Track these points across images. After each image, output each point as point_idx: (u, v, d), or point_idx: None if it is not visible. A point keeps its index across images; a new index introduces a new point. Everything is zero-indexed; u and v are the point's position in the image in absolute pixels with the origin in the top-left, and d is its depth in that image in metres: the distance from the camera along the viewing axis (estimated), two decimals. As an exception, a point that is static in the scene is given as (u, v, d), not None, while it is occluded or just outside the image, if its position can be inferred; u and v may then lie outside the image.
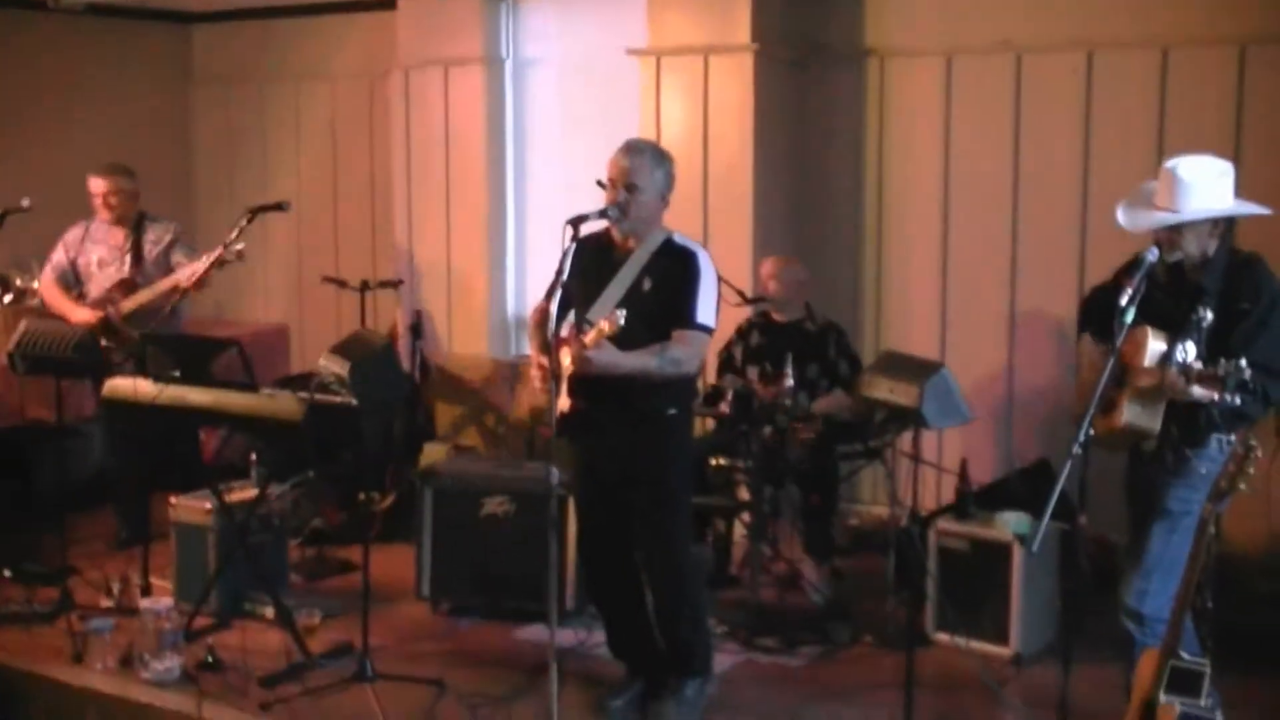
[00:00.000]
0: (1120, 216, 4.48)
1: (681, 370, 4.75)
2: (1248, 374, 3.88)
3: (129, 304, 6.69)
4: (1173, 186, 4.30)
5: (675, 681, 5.04)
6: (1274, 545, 5.89)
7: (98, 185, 6.90)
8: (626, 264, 4.83)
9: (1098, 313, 4.56)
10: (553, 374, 4.61)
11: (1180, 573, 4.03)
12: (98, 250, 6.96)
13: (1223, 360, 3.93)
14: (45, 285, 7.03)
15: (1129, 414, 4.24)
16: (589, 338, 4.58)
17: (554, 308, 4.63)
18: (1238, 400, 3.95)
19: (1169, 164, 4.35)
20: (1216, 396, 3.98)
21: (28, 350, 6.04)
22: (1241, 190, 4.41)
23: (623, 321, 4.48)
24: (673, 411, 4.86)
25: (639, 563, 4.99)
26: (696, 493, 5.55)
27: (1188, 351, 4.04)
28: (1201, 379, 3.98)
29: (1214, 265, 4.35)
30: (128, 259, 6.85)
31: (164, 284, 6.63)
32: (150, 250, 6.86)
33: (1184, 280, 4.37)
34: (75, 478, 7.00)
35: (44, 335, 6.06)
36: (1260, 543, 5.85)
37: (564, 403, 4.78)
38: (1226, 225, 4.40)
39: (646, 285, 4.80)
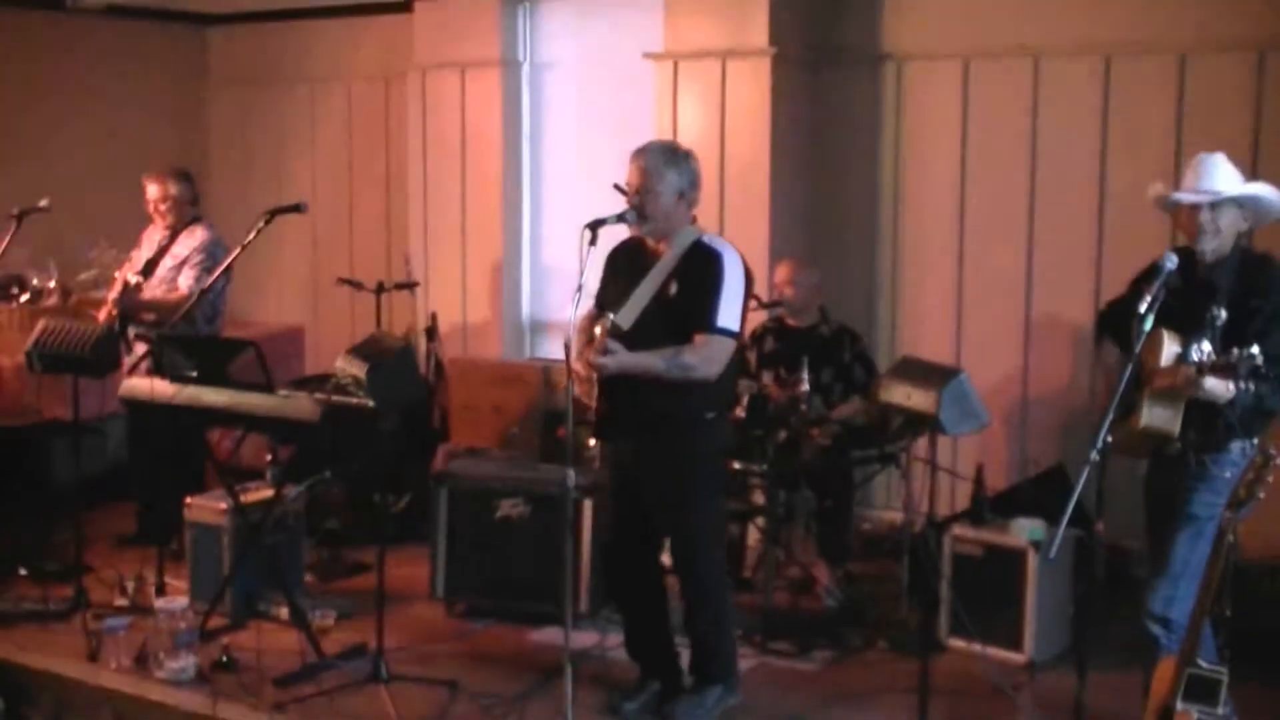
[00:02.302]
0: (1160, 191, 4.53)
1: (692, 375, 4.70)
2: (1260, 360, 3.88)
3: (106, 312, 6.69)
4: (1209, 169, 4.40)
5: (695, 685, 5.05)
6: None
7: (148, 190, 6.89)
8: (655, 268, 4.83)
9: (1116, 324, 4.56)
10: (575, 377, 4.65)
11: (1206, 577, 4.03)
12: (142, 250, 6.98)
13: (1235, 349, 3.94)
14: (118, 277, 7.07)
15: (1147, 416, 4.25)
16: (595, 344, 4.62)
17: (574, 312, 4.63)
18: (1251, 387, 3.96)
19: (1201, 155, 4.45)
20: (1231, 386, 3.99)
21: (45, 349, 6.06)
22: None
23: (609, 323, 4.52)
24: (710, 415, 4.85)
25: (670, 562, 5.00)
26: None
27: (1203, 351, 4.04)
28: (1215, 369, 3.99)
29: (1228, 264, 4.39)
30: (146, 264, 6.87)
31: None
32: (166, 263, 6.83)
33: (1198, 280, 4.38)
34: (92, 475, 7.01)
35: (62, 334, 6.07)
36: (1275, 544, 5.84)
37: (596, 405, 4.80)
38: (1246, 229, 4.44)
39: (673, 289, 4.79)
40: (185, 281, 6.69)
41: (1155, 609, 4.42)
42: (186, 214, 6.90)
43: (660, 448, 4.83)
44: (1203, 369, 4.02)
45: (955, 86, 7.03)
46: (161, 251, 6.84)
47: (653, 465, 4.86)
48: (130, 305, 6.62)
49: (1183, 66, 6.41)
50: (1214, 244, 4.38)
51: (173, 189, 6.85)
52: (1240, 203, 4.39)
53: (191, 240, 6.82)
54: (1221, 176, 4.39)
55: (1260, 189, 4.41)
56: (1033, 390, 6.93)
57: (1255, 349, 3.89)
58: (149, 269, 6.80)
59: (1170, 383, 4.17)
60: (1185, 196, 4.44)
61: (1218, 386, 4.05)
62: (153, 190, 6.86)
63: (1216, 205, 4.36)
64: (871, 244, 7.33)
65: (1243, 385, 3.96)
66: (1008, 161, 6.89)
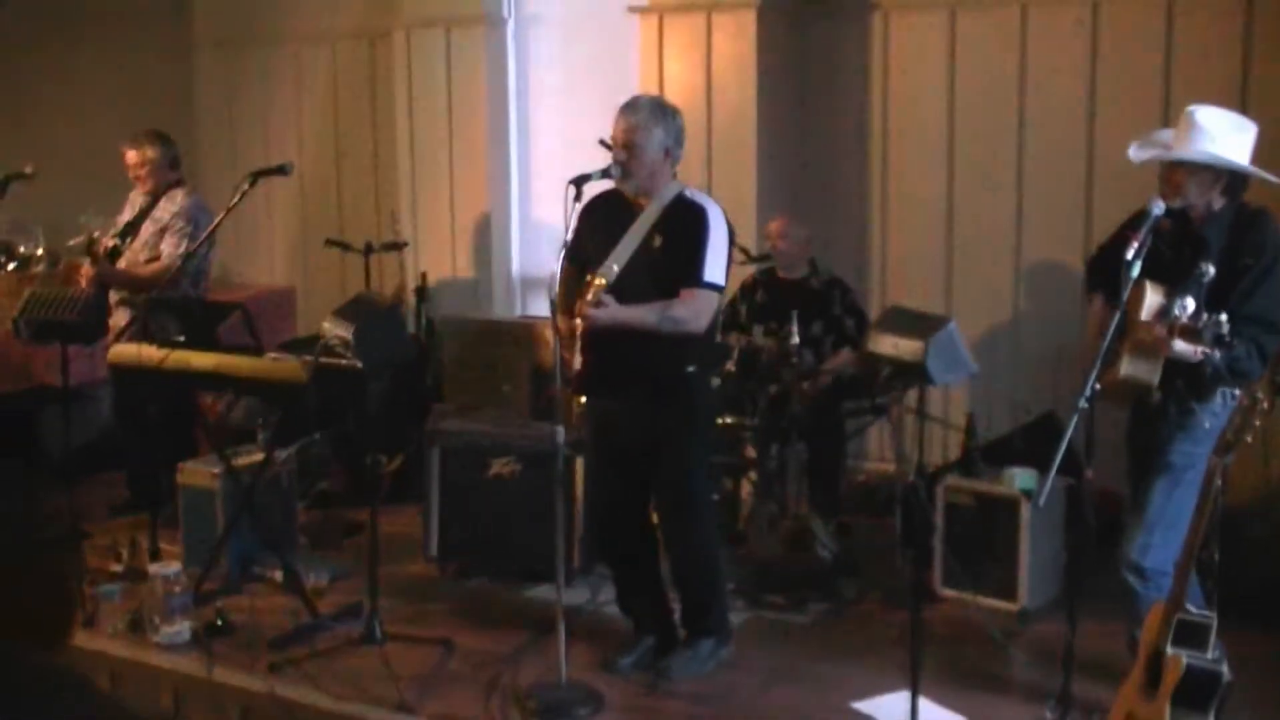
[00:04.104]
0: (1131, 151, 4.49)
1: (683, 329, 4.72)
2: (1225, 329, 3.88)
3: (86, 279, 6.65)
4: (1186, 129, 4.31)
5: (689, 637, 5.07)
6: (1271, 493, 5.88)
7: (127, 156, 6.81)
8: (638, 221, 4.82)
9: (1105, 271, 4.53)
10: (557, 332, 4.64)
11: (1183, 526, 4.03)
12: (125, 215, 6.93)
13: (1204, 314, 3.92)
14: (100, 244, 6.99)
15: (1127, 367, 4.23)
16: (587, 295, 4.59)
17: (558, 268, 4.63)
18: (1216, 354, 3.95)
19: (1190, 108, 4.35)
20: (1198, 350, 3.97)
21: (32, 316, 6.04)
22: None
23: (614, 275, 4.50)
24: (691, 369, 4.85)
25: (658, 519, 5.01)
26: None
27: (1186, 305, 4.02)
28: (1183, 333, 3.98)
29: (1219, 219, 4.33)
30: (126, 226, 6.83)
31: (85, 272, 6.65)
32: (147, 227, 6.79)
33: (1188, 233, 4.35)
34: (83, 442, 7.00)
35: (48, 301, 6.05)
36: (1258, 491, 5.84)
37: (578, 360, 4.79)
38: (1236, 181, 4.35)
39: (657, 242, 4.79)
40: (168, 248, 6.65)
41: (1130, 558, 4.42)
42: (166, 178, 6.84)
43: (646, 404, 4.84)
44: (1172, 331, 4.00)
45: (943, 36, 6.99)
46: (142, 215, 6.79)
47: (641, 421, 4.87)
48: (107, 278, 6.58)
49: (1170, 12, 6.37)
50: (1182, 203, 4.31)
51: (150, 153, 6.79)
52: (1209, 165, 4.30)
53: (172, 205, 6.77)
54: (1197, 138, 4.27)
55: (1208, 156, 4.27)
56: (1023, 339, 6.93)
57: (1223, 317, 3.89)
58: (129, 231, 6.76)
59: (1144, 339, 4.16)
60: (1137, 157, 4.42)
61: (1186, 350, 4.03)
62: (131, 156, 6.80)
63: (1177, 166, 4.30)
64: (861, 195, 7.31)
65: (1209, 352, 3.94)
66: (996, 110, 6.87)
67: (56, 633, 2.06)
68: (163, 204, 6.78)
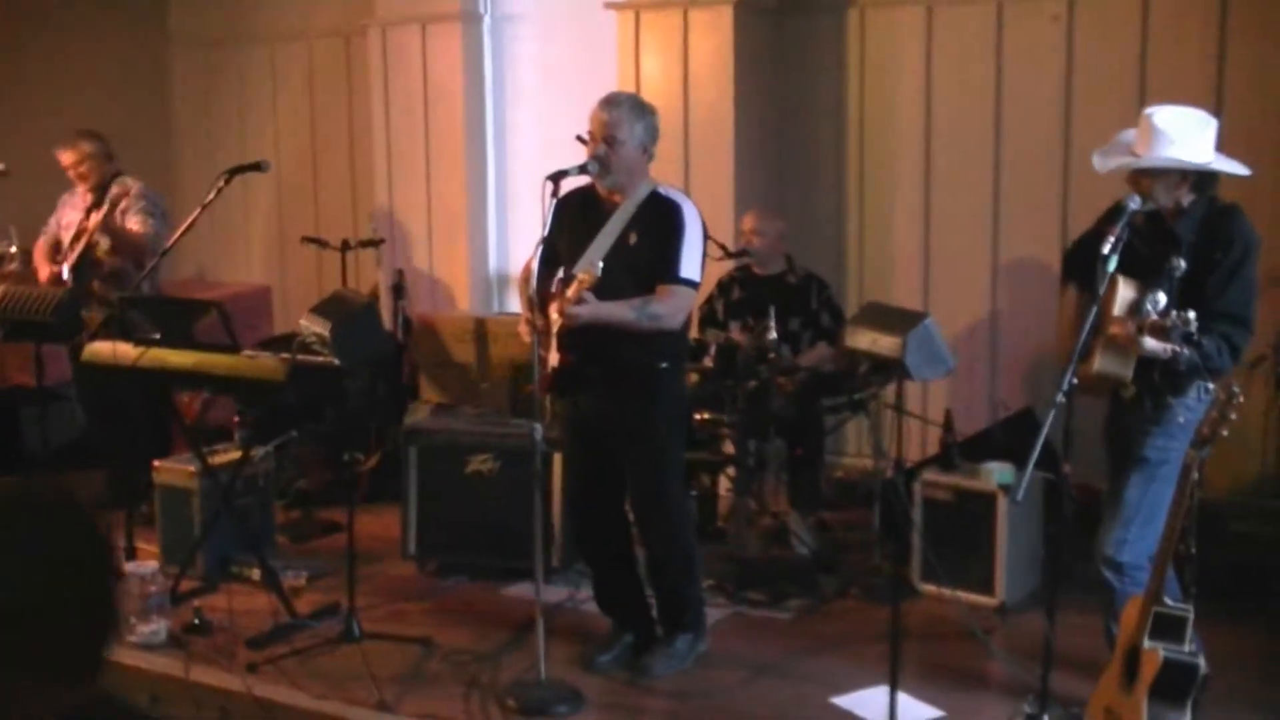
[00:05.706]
0: (1095, 160, 4.49)
1: (661, 325, 4.73)
2: (1194, 326, 3.89)
3: (67, 262, 6.59)
4: (1146, 134, 4.30)
5: (666, 634, 5.07)
6: (1250, 486, 5.92)
7: (63, 159, 6.77)
8: (613, 217, 4.82)
9: (1081, 262, 4.54)
10: (535, 329, 4.63)
11: (1158, 521, 4.05)
12: (69, 213, 6.88)
13: (1174, 312, 3.93)
14: (36, 248, 6.96)
15: (1101, 362, 4.24)
16: (570, 290, 4.58)
17: (536, 264, 4.63)
18: (1185, 352, 3.96)
19: (1148, 110, 4.33)
20: (1167, 348, 3.98)
21: (6, 315, 6.00)
22: (1223, 137, 4.36)
23: (599, 271, 4.49)
24: (663, 365, 4.85)
25: (632, 516, 5.01)
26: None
27: (1158, 301, 4.03)
28: (1153, 330, 3.99)
29: (1190, 215, 4.33)
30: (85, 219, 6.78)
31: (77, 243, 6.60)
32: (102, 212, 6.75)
33: (1161, 229, 4.35)
34: (59, 441, 6.96)
35: (22, 300, 6.01)
36: (1238, 484, 5.88)
37: (553, 358, 4.77)
38: (1204, 177, 4.35)
39: (632, 238, 4.79)
40: (134, 224, 6.61)
41: (1105, 552, 4.43)
42: (107, 170, 6.80)
43: (620, 400, 4.83)
44: (1142, 328, 4.01)
45: (919, 32, 7.00)
46: (94, 205, 6.74)
47: (614, 418, 4.86)
48: (112, 230, 6.54)
49: (1146, 8, 6.39)
50: (1152, 206, 4.32)
51: (87, 148, 6.75)
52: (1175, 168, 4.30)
53: (121, 188, 6.71)
54: (1160, 142, 4.24)
55: (1170, 160, 4.24)
56: (1001, 334, 6.95)
57: (1191, 314, 3.90)
58: (80, 235, 6.70)
59: (1116, 335, 4.17)
60: (1103, 167, 4.43)
61: (1156, 347, 4.04)
62: (67, 156, 6.75)
63: (1143, 173, 4.29)
64: (838, 191, 7.31)
65: (1178, 350, 3.96)
66: (972, 106, 6.88)
67: (98, 650, 1.85)
68: (114, 189, 6.71)
